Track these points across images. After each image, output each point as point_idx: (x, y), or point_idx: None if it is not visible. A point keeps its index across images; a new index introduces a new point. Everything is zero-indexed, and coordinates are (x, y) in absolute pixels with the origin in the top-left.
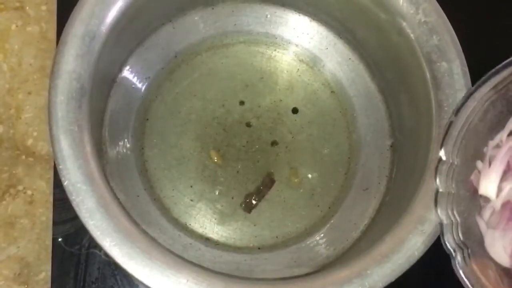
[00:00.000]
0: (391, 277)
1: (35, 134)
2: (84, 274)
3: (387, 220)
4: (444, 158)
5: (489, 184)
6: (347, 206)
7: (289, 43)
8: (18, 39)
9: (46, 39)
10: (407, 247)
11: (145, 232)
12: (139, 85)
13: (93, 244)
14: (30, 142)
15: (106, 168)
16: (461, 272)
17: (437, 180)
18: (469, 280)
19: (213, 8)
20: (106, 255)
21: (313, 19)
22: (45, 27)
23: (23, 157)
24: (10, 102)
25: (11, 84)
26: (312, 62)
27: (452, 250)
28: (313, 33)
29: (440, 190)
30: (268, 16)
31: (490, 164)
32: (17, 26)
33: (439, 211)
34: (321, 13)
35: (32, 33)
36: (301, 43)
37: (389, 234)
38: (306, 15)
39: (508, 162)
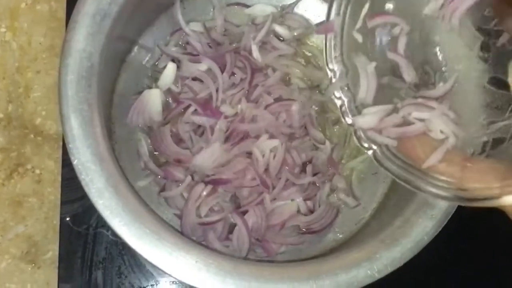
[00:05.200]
0: (400, 261)
1: (43, 113)
2: (91, 253)
3: (396, 205)
4: None
5: None
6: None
7: None
8: (28, 18)
9: (55, 18)
10: (416, 231)
11: (154, 213)
12: (149, 65)
13: (101, 224)
14: (38, 121)
15: (115, 148)
16: None
17: None
18: None
19: None
20: (114, 235)
21: (325, 1)
22: (54, 6)
23: (32, 136)
24: (19, 81)
25: (20, 62)
26: (323, 45)
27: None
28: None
29: None
30: None
31: None
32: (26, 4)
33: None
34: None
35: (41, 12)
36: (312, 25)
37: (398, 218)
38: None
39: None
